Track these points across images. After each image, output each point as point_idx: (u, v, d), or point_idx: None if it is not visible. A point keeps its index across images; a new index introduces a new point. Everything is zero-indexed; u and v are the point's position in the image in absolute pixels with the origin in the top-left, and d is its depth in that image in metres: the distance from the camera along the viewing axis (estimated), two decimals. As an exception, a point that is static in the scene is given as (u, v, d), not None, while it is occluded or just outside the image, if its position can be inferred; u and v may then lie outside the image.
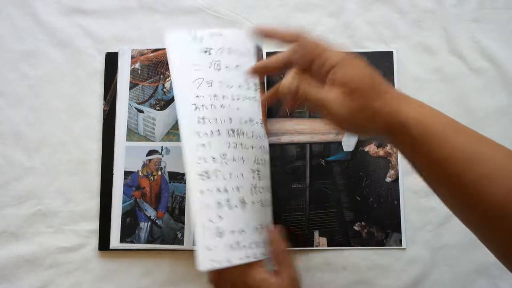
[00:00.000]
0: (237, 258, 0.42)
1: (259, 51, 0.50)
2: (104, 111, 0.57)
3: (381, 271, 0.54)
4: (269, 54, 0.56)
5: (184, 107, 0.45)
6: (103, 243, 0.54)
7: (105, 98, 0.57)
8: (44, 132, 0.57)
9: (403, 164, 0.55)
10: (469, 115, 0.55)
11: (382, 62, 0.56)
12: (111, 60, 0.58)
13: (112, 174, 0.55)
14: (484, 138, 0.35)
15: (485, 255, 0.53)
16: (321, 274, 0.53)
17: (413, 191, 0.55)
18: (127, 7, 0.59)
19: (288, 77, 0.39)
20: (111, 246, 0.53)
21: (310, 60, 0.38)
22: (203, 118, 0.45)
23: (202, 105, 0.45)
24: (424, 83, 0.57)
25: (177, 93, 0.45)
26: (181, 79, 0.46)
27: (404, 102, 0.36)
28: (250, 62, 0.49)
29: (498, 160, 0.34)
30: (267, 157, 0.50)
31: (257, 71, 0.44)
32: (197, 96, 0.45)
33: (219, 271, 0.42)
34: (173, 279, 0.54)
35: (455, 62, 0.58)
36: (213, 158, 0.44)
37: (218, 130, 0.45)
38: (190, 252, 0.53)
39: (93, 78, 0.58)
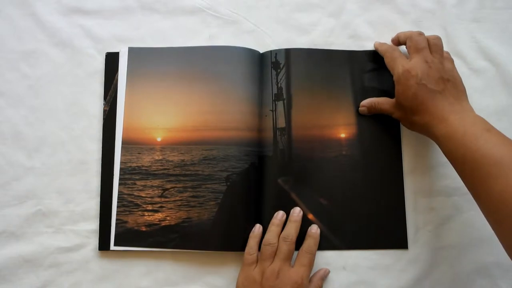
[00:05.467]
0: None
1: None
2: (104, 111, 0.57)
3: (381, 271, 0.54)
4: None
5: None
6: (103, 243, 0.54)
7: (105, 98, 0.57)
8: (44, 132, 0.57)
9: (404, 165, 0.55)
10: (469, 115, 0.56)
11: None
12: (111, 60, 0.58)
13: (113, 174, 0.55)
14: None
15: (485, 255, 0.53)
16: (321, 274, 0.53)
17: (413, 191, 0.55)
18: (127, 7, 0.60)
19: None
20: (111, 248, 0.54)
21: (391, 69, 0.53)
22: None
23: None
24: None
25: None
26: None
27: (434, 119, 0.48)
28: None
29: None
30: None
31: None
32: None
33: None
34: (173, 279, 0.54)
35: (455, 62, 0.58)
36: None
37: None
38: (191, 252, 0.53)
39: (93, 78, 0.58)
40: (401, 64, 0.50)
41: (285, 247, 0.50)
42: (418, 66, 0.49)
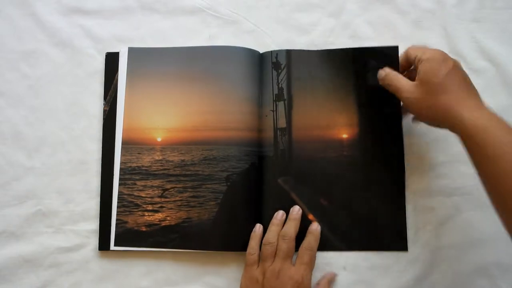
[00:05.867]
0: None
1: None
2: (104, 111, 0.57)
3: (381, 271, 0.54)
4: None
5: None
6: (103, 243, 0.54)
7: (105, 98, 0.57)
8: (44, 132, 0.57)
9: (406, 165, 0.55)
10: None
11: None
12: (111, 60, 0.58)
13: (113, 174, 0.55)
14: None
15: (485, 255, 0.53)
16: (321, 274, 0.53)
17: (413, 191, 0.55)
18: (127, 7, 0.59)
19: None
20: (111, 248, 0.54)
21: (414, 56, 0.48)
22: None
23: None
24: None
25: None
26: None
27: (465, 104, 0.43)
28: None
29: None
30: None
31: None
32: None
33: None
34: (173, 279, 0.54)
35: (455, 62, 0.58)
36: None
37: None
38: (191, 252, 0.53)
39: (93, 78, 0.58)
40: (439, 50, 0.48)
41: (284, 246, 0.50)
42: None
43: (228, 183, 0.54)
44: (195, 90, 0.56)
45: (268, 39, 0.59)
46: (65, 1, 0.59)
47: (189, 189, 0.54)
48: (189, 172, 0.55)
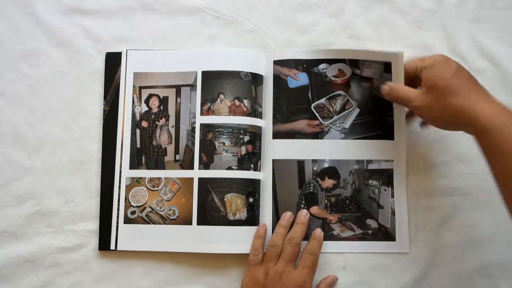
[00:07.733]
0: None
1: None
2: (104, 111, 0.57)
3: (381, 271, 0.54)
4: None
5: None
6: (103, 243, 0.54)
7: (105, 98, 0.57)
8: (44, 132, 0.57)
9: (405, 165, 0.55)
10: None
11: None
12: (111, 60, 0.57)
13: (113, 174, 0.55)
14: None
15: (485, 255, 0.53)
16: (321, 274, 0.53)
17: (414, 191, 0.55)
18: (127, 7, 0.59)
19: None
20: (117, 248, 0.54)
21: (415, 68, 0.49)
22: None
23: None
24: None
25: None
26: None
27: (477, 103, 0.43)
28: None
29: None
30: None
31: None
32: None
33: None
34: (173, 279, 0.54)
35: (455, 62, 0.58)
36: None
37: None
38: (190, 253, 0.53)
39: (93, 78, 0.58)
40: (439, 54, 0.48)
41: (289, 249, 0.50)
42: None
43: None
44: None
45: (268, 39, 0.59)
46: (65, 1, 0.59)
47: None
48: (189, 172, 0.55)
